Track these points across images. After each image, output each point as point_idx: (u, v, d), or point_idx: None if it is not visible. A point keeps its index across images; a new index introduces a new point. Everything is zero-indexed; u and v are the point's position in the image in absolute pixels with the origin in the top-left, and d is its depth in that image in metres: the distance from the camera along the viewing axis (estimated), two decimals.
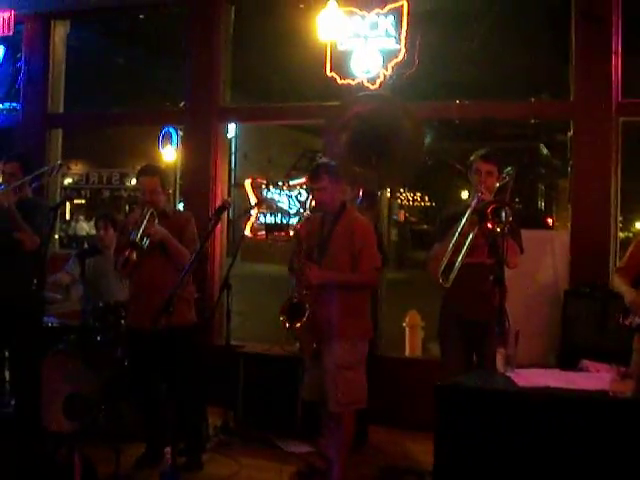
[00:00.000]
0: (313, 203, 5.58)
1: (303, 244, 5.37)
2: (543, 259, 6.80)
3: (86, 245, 20.01)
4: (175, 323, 5.25)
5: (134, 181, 25.41)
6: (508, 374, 4.16)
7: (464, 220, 5.04)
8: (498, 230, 4.73)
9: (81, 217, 30.95)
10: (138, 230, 5.52)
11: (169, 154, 16.19)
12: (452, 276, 4.94)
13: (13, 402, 6.52)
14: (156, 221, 5.62)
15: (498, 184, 5.30)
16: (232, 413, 6.78)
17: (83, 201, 31.72)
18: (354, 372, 5.19)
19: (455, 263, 4.98)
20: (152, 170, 5.99)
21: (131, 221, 5.81)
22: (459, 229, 5.03)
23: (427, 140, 6.48)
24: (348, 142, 5.86)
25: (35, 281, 5.39)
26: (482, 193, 5.13)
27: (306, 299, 5.06)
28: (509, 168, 5.36)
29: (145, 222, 5.55)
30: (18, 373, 6.27)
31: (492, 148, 5.61)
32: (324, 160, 5.69)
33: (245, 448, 6.32)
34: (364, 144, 5.77)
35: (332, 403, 5.15)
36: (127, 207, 28.71)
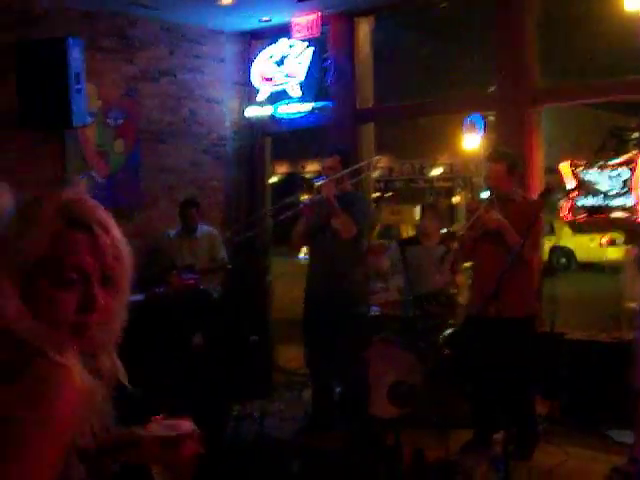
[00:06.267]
0: None
1: None
2: None
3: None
4: (510, 314, 5.23)
5: (438, 171, 25.82)
6: None
7: None
8: None
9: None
10: (470, 218, 5.53)
11: (473, 142, 16.13)
12: None
13: (338, 390, 6.80)
14: (494, 210, 5.56)
15: None
16: (557, 401, 6.61)
17: (391, 193, 32.64)
18: None
19: None
20: (497, 156, 5.92)
21: (472, 207, 5.78)
22: None
23: None
24: None
25: (360, 271, 5.54)
26: None
27: None
28: None
29: (481, 209, 5.56)
30: (345, 361, 6.51)
31: None
32: None
33: (571, 437, 6.12)
34: None
35: None
36: (431, 197, 29.25)
